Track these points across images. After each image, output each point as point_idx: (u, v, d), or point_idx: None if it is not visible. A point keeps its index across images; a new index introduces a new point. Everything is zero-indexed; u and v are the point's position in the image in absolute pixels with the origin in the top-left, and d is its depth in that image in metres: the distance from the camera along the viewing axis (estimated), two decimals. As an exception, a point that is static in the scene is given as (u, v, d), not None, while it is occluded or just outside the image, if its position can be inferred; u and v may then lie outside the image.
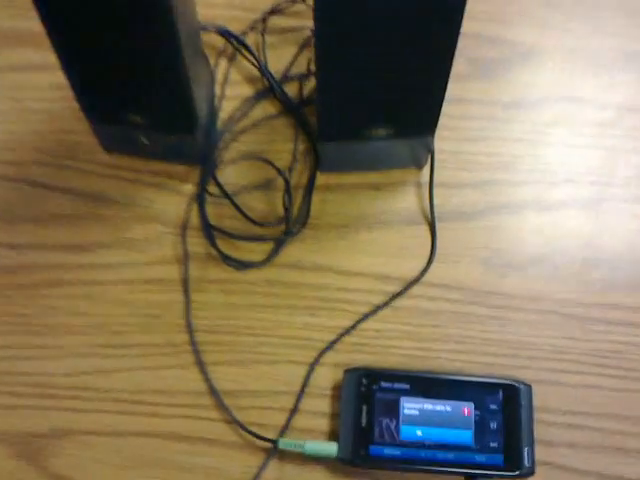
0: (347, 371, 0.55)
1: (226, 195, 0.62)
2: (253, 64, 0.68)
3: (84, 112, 0.59)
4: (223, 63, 0.69)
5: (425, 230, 0.61)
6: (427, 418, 0.53)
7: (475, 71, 0.67)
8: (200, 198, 0.62)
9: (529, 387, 0.54)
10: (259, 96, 0.67)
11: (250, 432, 0.55)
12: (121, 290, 0.61)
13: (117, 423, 0.56)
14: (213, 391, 0.57)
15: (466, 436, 0.53)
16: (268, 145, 0.65)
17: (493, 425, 0.53)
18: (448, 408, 0.54)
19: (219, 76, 0.68)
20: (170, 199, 0.63)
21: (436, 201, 0.62)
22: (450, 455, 0.52)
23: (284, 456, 0.55)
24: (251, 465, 0.55)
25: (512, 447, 0.52)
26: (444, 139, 0.64)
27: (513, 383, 0.54)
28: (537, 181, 0.63)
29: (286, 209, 0.61)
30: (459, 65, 0.66)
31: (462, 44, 0.47)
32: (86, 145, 0.66)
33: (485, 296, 0.59)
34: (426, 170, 0.63)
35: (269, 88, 0.67)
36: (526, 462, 0.52)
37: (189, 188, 0.64)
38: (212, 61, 0.68)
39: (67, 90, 0.56)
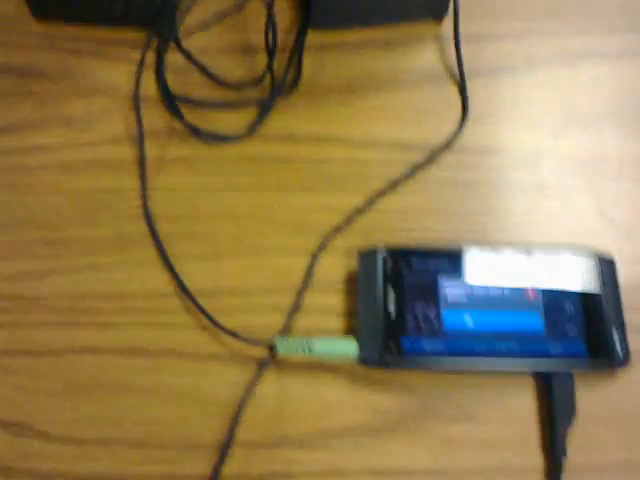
0: (364, 253, 0.41)
1: (189, 57, 0.48)
2: None
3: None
4: None
5: (452, 89, 0.48)
6: (477, 301, 0.39)
7: None
8: (158, 59, 0.48)
9: (611, 261, 0.41)
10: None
11: (235, 335, 0.39)
12: (55, 176, 0.46)
13: (53, 340, 0.41)
14: (183, 290, 0.41)
15: (533, 320, 0.38)
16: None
17: (569, 307, 0.39)
18: (506, 290, 0.39)
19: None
20: (118, 68, 0.49)
21: (465, 55, 0.48)
22: (514, 345, 0.38)
23: (285, 367, 0.40)
24: (239, 381, 0.39)
25: (597, 332, 0.38)
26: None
27: (590, 255, 0.40)
28: (591, 30, 0.50)
29: (270, 66, 0.47)
30: None
31: None
32: (14, 16, 0.51)
33: (537, 161, 0.45)
34: (447, 23, 0.50)
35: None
36: (618, 349, 0.38)
37: (137, 55, 0.49)
38: None
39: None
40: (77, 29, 0.51)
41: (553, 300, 0.39)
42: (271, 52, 0.46)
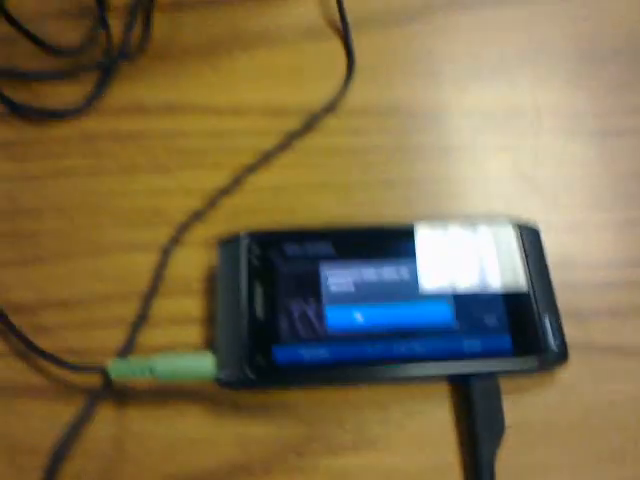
0: (224, 241, 0.32)
1: (13, 22, 0.38)
2: None
3: None
4: None
5: (335, 45, 0.40)
6: (369, 293, 0.30)
7: None
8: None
9: (536, 231, 0.32)
10: None
11: (57, 361, 0.30)
12: None
13: None
14: (-9, 307, 0.31)
15: (441, 312, 0.30)
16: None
17: (486, 293, 0.30)
18: (405, 274, 0.31)
19: None
20: None
21: (348, 5, 0.40)
22: (417, 345, 0.29)
23: (126, 398, 0.30)
24: (63, 421, 0.29)
25: (523, 322, 0.30)
26: None
27: (507, 223, 0.32)
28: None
29: (104, 23, 0.38)
30: None
31: None
32: None
33: (439, 120, 0.37)
34: (326, -30, 0.42)
35: None
36: (552, 342, 0.29)
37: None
38: None
39: None
40: None
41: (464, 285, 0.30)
42: (101, 2, 0.37)
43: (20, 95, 0.38)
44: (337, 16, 0.40)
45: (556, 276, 0.32)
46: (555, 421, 0.30)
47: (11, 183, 0.35)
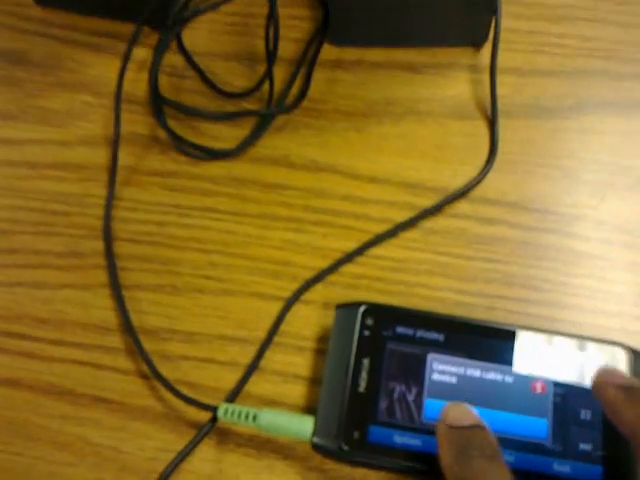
0: (343, 305, 0.34)
1: (189, 59, 0.42)
2: None
3: None
4: None
5: (481, 128, 0.41)
6: (470, 391, 0.31)
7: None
8: (154, 58, 0.42)
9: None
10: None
11: (176, 392, 0.33)
12: (18, 174, 0.40)
13: (-31, 363, 0.35)
14: (127, 327, 0.35)
15: (538, 427, 0.30)
16: (260, 8, 0.45)
17: (585, 414, 0.31)
18: (508, 378, 0.31)
19: None
20: (110, 64, 0.44)
21: (501, 91, 0.41)
22: (508, 455, 0.30)
23: (227, 440, 0.33)
24: (168, 448, 0.32)
25: (618, 452, 0.30)
26: (515, 16, 0.43)
27: (616, 347, 0.32)
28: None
29: (270, 75, 0.40)
30: None
31: None
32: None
33: (572, 223, 0.38)
34: (486, 51, 0.43)
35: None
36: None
37: (139, 52, 0.44)
38: None
39: None
40: (76, 18, 0.46)
41: (566, 401, 0.31)
42: (271, 55, 0.39)
43: (180, 128, 0.41)
44: (488, 100, 0.41)
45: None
46: None
47: (161, 212, 0.39)
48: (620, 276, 0.36)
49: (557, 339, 0.32)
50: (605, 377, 0.26)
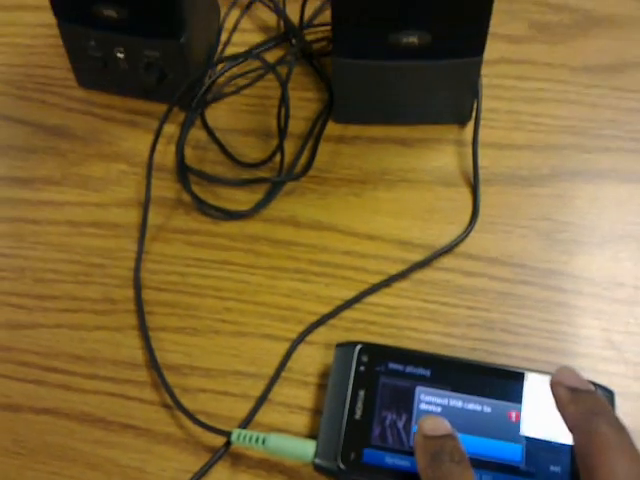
0: (341, 345, 0.39)
1: (212, 134, 0.49)
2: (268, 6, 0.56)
3: (52, 7, 0.48)
4: (235, 13, 0.57)
5: (465, 193, 0.46)
6: (453, 420, 0.35)
7: (537, 35, 0.54)
8: (181, 133, 0.49)
9: (610, 393, 0.37)
10: (271, 43, 0.55)
11: (194, 419, 0.37)
12: (61, 232, 0.46)
13: (15, 393, 0.40)
14: (152, 363, 0.40)
15: (512, 452, 0.35)
16: (274, 91, 0.52)
17: (555, 442, 0.35)
18: (486, 408, 0.36)
19: (228, 25, 0.57)
20: (142, 138, 0.50)
21: (483, 162, 0.47)
22: (485, 475, 0.34)
23: (239, 462, 0.37)
24: (188, 468, 0.37)
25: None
26: (495, 98, 0.50)
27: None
28: (620, 148, 0.48)
29: (281, 148, 0.47)
30: (518, 29, 0.53)
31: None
32: (60, 79, 0.54)
33: (544, 275, 0.43)
34: (469, 128, 0.49)
35: (283, 35, 0.55)
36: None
37: (167, 128, 0.50)
38: (223, 10, 0.57)
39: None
40: (114, 98, 0.53)
41: (537, 431, 0.35)
42: (282, 131, 0.46)
43: (203, 192, 0.47)
44: (471, 170, 0.47)
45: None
46: None
47: (183, 264, 0.44)
48: (589, 322, 0.41)
49: (531, 375, 0.37)
50: (560, 377, 0.31)
